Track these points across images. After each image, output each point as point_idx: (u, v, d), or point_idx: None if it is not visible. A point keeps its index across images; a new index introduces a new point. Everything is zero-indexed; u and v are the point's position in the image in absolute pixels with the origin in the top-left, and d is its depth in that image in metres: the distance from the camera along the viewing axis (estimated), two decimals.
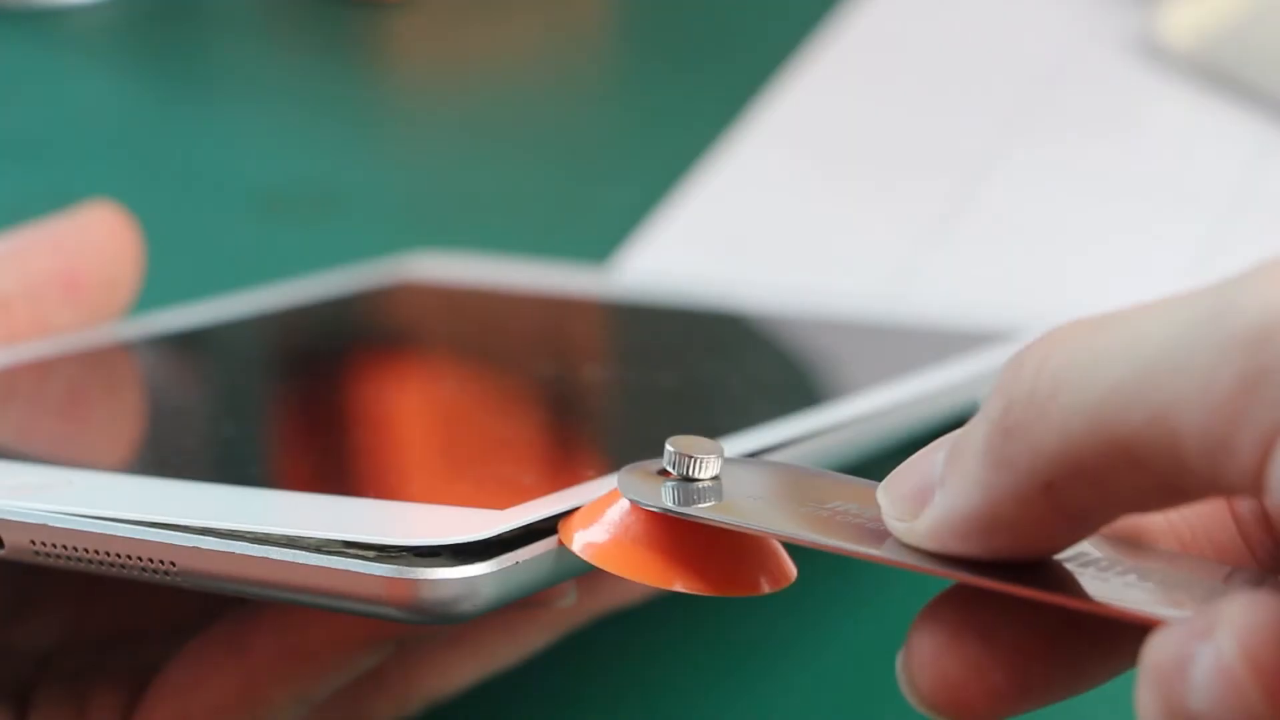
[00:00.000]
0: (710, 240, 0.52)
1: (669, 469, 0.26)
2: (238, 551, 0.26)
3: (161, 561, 0.27)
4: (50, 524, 0.27)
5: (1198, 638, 0.20)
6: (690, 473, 0.26)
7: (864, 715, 0.36)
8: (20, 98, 0.62)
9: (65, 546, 0.27)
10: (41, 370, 0.36)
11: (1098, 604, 0.22)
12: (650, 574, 0.26)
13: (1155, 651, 0.21)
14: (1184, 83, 0.59)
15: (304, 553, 0.26)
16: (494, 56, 0.65)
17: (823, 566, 0.40)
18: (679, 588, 0.26)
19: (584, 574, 0.28)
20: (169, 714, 0.30)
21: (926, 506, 0.23)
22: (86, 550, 0.27)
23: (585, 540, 0.26)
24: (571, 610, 0.32)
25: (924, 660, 0.23)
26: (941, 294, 0.49)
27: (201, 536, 0.26)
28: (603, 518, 0.26)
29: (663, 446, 0.27)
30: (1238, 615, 0.20)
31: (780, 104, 0.59)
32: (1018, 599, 0.23)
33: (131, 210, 0.39)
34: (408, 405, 0.37)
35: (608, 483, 0.27)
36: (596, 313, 0.46)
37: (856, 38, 0.62)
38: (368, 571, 0.25)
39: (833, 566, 0.40)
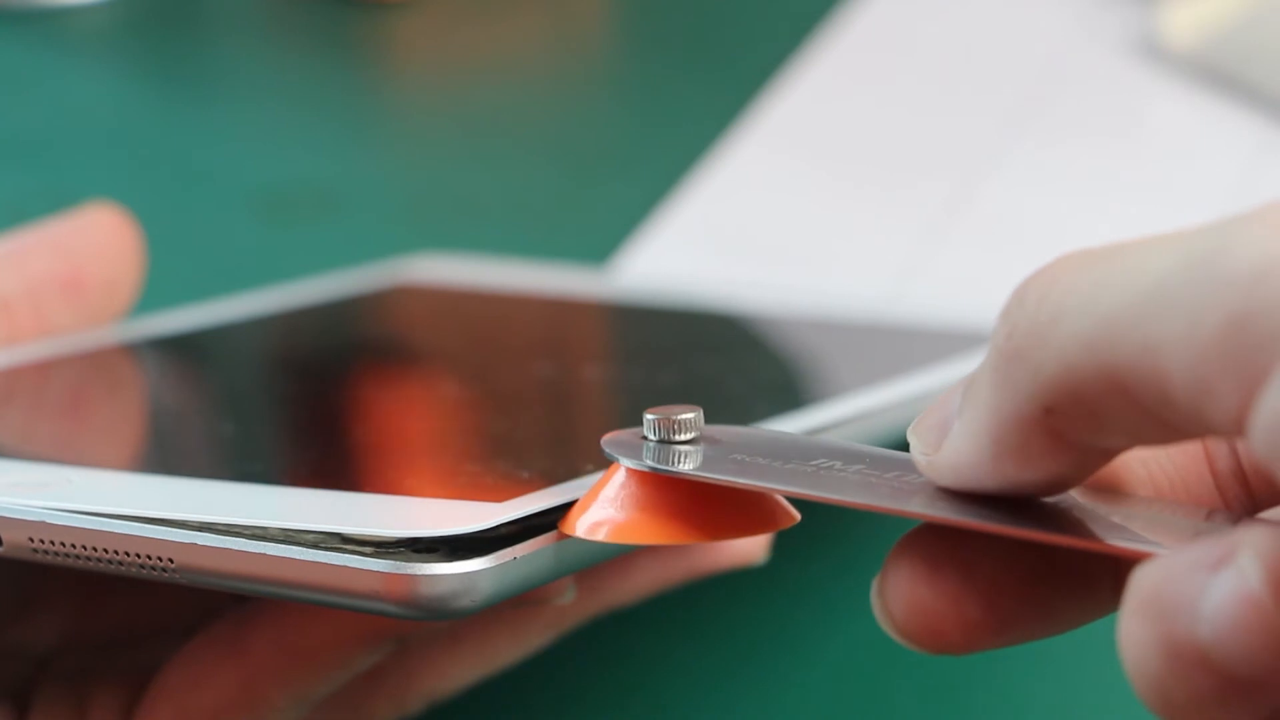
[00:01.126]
0: (710, 240, 0.52)
1: (648, 435, 0.27)
2: (235, 548, 0.26)
3: (159, 558, 0.27)
4: (49, 521, 0.27)
5: (1208, 567, 0.20)
6: (669, 435, 0.27)
7: (866, 715, 0.36)
8: (20, 98, 0.62)
9: (64, 544, 0.27)
10: (42, 370, 0.36)
11: (1085, 540, 0.23)
12: (650, 535, 0.26)
13: (1149, 582, 0.20)
14: (1184, 82, 0.59)
15: (301, 548, 0.26)
16: (494, 57, 0.65)
17: (824, 566, 0.40)
18: (677, 542, 0.26)
19: (583, 569, 0.28)
20: (169, 714, 0.30)
21: (946, 439, 0.24)
22: (85, 547, 0.27)
23: (586, 523, 0.27)
24: (571, 608, 0.32)
25: (900, 589, 0.24)
26: (941, 294, 0.49)
27: (199, 533, 0.27)
28: (596, 499, 0.27)
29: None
30: (1261, 541, 0.20)
31: (780, 104, 0.59)
32: (999, 537, 0.23)
33: (131, 210, 0.39)
34: (406, 404, 0.37)
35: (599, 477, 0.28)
36: (594, 313, 0.46)
37: (856, 38, 0.62)
38: (365, 567, 0.25)
39: (836, 566, 0.40)
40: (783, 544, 0.33)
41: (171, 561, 0.27)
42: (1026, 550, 0.24)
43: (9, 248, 0.37)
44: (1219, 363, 0.20)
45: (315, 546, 0.26)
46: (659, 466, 0.26)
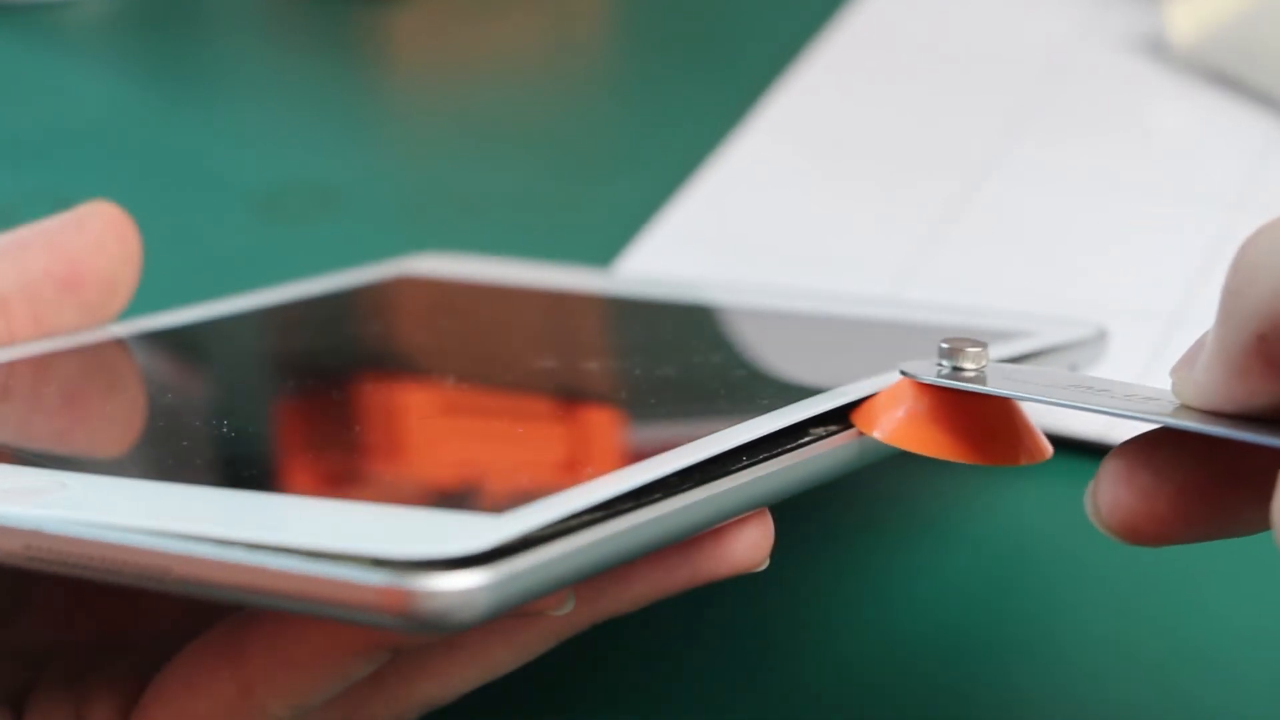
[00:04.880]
0: (712, 240, 0.52)
1: (941, 361, 0.32)
2: (231, 559, 0.26)
3: (156, 569, 0.27)
4: (44, 530, 0.27)
5: None
6: (959, 362, 0.32)
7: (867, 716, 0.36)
8: (18, 97, 0.62)
9: (59, 553, 0.27)
10: (37, 370, 0.36)
11: (1251, 436, 0.27)
12: (935, 448, 0.31)
13: None
14: (1189, 81, 0.59)
15: (298, 560, 0.26)
16: (494, 56, 0.65)
17: (824, 571, 0.40)
18: (950, 457, 0.31)
19: (582, 580, 0.27)
20: (165, 719, 0.30)
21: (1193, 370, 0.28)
22: (81, 557, 0.27)
23: (883, 426, 0.31)
24: (570, 616, 0.32)
25: (1104, 486, 0.29)
26: (945, 293, 0.49)
27: (196, 544, 0.26)
28: (891, 407, 0.32)
29: (680, 442, 0.30)
30: None
31: (782, 103, 0.58)
32: (1197, 445, 0.28)
33: (130, 209, 0.39)
34: (405, 405, 0.37)
35: (620, 478, 0.28)
36: (597, 310, 0.45)
37: (858, 37, 0.62)
38: (362, 581, 0.25)
39: (835, 571, 0.40)
40: (782, 548, 0.33)
41: (168, 572, 0.27)
42: (1214, 458, 0.29)
43: (5, 245, 0.37)
44: None
45: (312, 559, 0.26)
46: (950, 382, 0.31)
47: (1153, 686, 0.37)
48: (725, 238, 0.52)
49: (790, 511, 0.33)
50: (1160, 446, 0.29)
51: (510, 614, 0.27)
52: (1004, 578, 0.40)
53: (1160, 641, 0.38)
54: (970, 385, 0.31)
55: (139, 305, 0.39)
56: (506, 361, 0.40)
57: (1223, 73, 0.58)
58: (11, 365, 0.36)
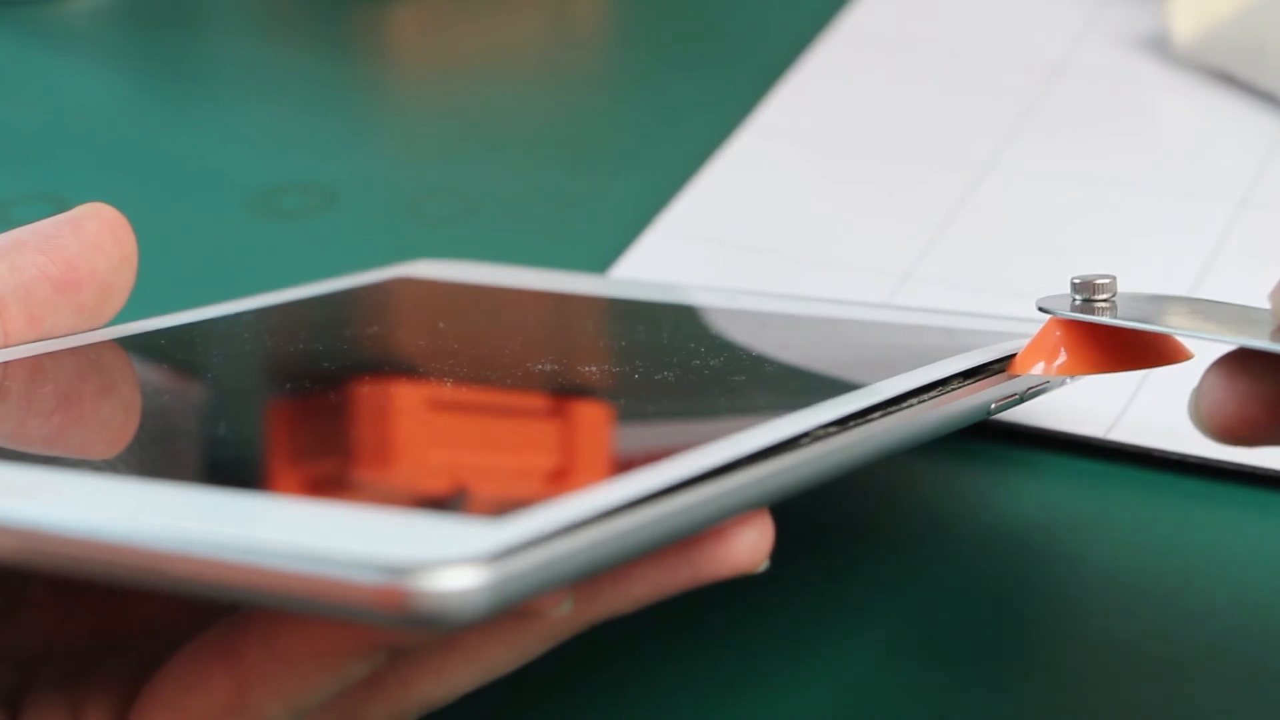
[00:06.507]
0: (712, 239, 0.52)
1: (1075, 296, 0.35)
2: (227, 559, 0.26)
3: (152, 568, 0.27)
4: (37, 529, 0.27)
5: None
6: (1090, 295, 0.35)
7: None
8: (14, 95, 0.62)
9: (55, 552, 0.27)
10: (33, 371, 0.36)
11: None
12: (1078, 369, 0.36)
13: None
14: (1190, 79, 0.59)
15: (295, 560, 0.26)
16: (494, 54, 0.65)
17: (823, 574, 0.40)
18: (1099, 373, 0.36)
19: (579, 581, 0.27)
20: None
21: None
22: (74, 555, 0.27)
23: (1046, 363, 0.36)
24: (570, 617, 0.32)
25: (1204, 394, 0.32)
26: (946, 293, 0.49)
27: (192, 543, 0.26)
28: (1035, 346, 0.36)
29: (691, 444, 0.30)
30: None
31: (783, 102, 0.58)
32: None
33: (127, 209, 0.39)
34: (403, 406, 0.37)
35: (617, 486, 0.28)
36: (598, 313, 0.45)
37: (859, 36, 0.62)
38: (361, 579, 0.25)
39: (835, 574, 0.40)
40: (782, 549, 0.33)
41: (164, 572, 0.26)
42: None
43: (1, 245, 0.37)
44: None
45: (310, 559, 0.26)
46: (1083, 316, 0.35)
47: (1153, 686, 0.36)
48: (725, 237, 0.52)
49: (790, 512, 0.33)
50: (1259, 358, 0.32)
51: (509, 612, 0.27)
52: (1004, 578, 0.40)
53: (1161, 642, 0.38)
54: (1110, 319, 0.35)
55: (135, 304, 0.38)
56: (506, 364, 0.40)
57: (1224, 71, 0.58)
58: (6, 366, 0.35)
